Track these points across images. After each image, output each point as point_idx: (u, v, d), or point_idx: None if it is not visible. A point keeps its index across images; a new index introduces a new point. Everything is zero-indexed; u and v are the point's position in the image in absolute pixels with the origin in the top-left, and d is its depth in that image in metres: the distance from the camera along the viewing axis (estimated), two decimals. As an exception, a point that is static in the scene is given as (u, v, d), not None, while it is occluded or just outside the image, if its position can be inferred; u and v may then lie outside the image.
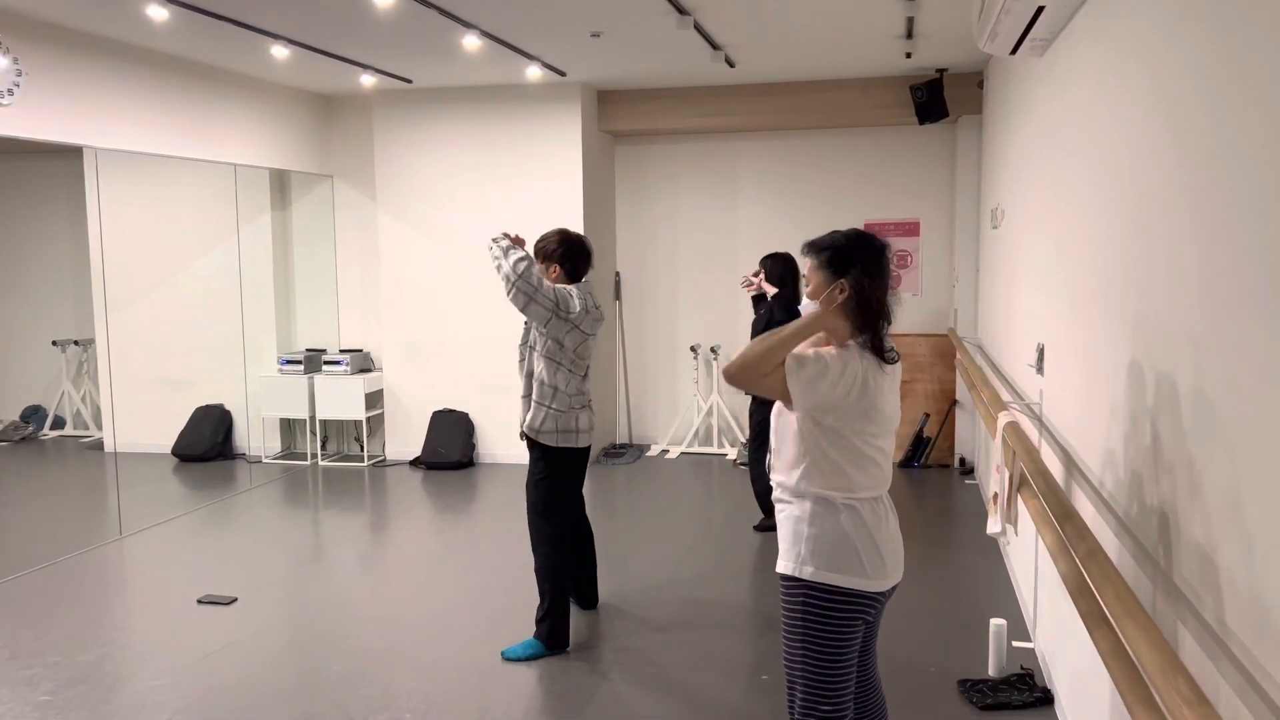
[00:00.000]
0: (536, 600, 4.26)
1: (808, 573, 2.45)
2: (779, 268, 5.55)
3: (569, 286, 4.14)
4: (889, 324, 2.50)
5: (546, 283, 4.06)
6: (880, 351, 2.45)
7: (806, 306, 2.59)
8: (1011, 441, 3.52)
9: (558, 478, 4.22)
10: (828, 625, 2.45)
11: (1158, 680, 1.68)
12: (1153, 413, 2.29)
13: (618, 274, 8.30)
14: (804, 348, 2.47)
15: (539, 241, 4.25)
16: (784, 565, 2.51)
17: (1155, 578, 2.24)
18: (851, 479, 2.46)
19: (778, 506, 2.58)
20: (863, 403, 2.43)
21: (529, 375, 4.20)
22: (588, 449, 4.31)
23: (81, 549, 5.71)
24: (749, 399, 5.70)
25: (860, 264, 2.46)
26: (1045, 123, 4.10)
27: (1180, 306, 2.09)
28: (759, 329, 5.55)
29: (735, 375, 2.44)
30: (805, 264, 2.57)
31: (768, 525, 5.69)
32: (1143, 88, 2.48)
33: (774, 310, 5.47)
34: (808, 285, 2.57)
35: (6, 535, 6.23)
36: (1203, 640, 1.89)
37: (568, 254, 4.20)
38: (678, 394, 8.32)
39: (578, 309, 4.09)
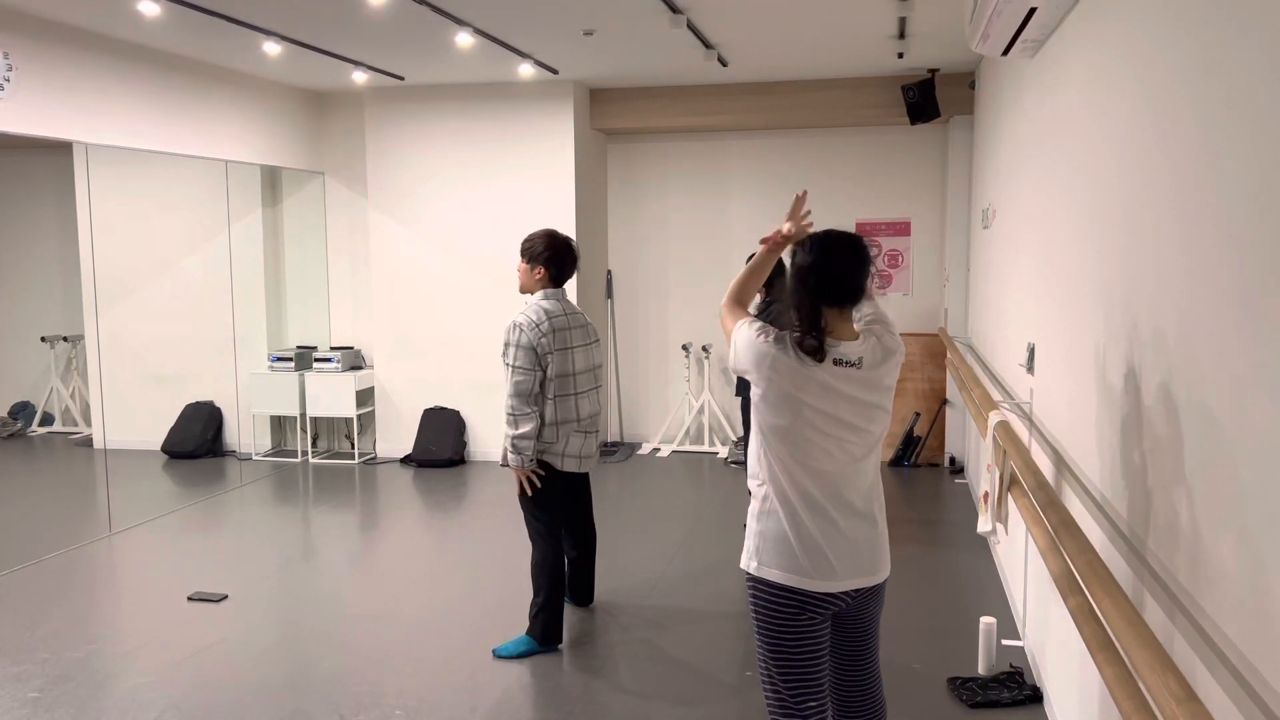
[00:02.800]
0: (527, 598, 4.26)
1: (753, 567, 2.51)
2: None
3: (529, 317, 4.04)
4: (815, 330, 2.41)
5: (512, 389, 4.00)
6: (805, 350, 2.39)
7: None
8: (1002, 440, 3.53)
9: (545, 487, 4.18)
10: (774, 620, 2.48)
11: (1147, 677, 1.69)
12: (1142, 412, 2.30)
13: (610, 272, 8.30)
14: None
15: (525, 242, 4.19)
16: (742, 559, 2.58)
17: (1145, 575, 2.26)
18: (797, 478, 2.45)
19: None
20: (789, 395, 2.40)
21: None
22: (580, 474, 4.33)
23: (70, 546, 5.69)
24: (740, 397, 5.70)
25: (792, 267, 2.50)
26: (1036, 123, 4.12)
27: (1168, 306, 2.11)
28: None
29: (724, 305, 2.70)
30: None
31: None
32: (1132, 90, 2.50)
33: (769, 318, 5.50)
34: None
35: (-6, 532, 6.21)
36: (1192, 638, 1.91)
37: (554, 257, 4.14)
38: (669, 392, 8.32)
39: (527, 340, 3.99)
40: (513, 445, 4.02)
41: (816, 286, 2.43)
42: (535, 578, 4.19)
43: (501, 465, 4.17)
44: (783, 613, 2.47)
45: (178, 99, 6.37)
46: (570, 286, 7.47)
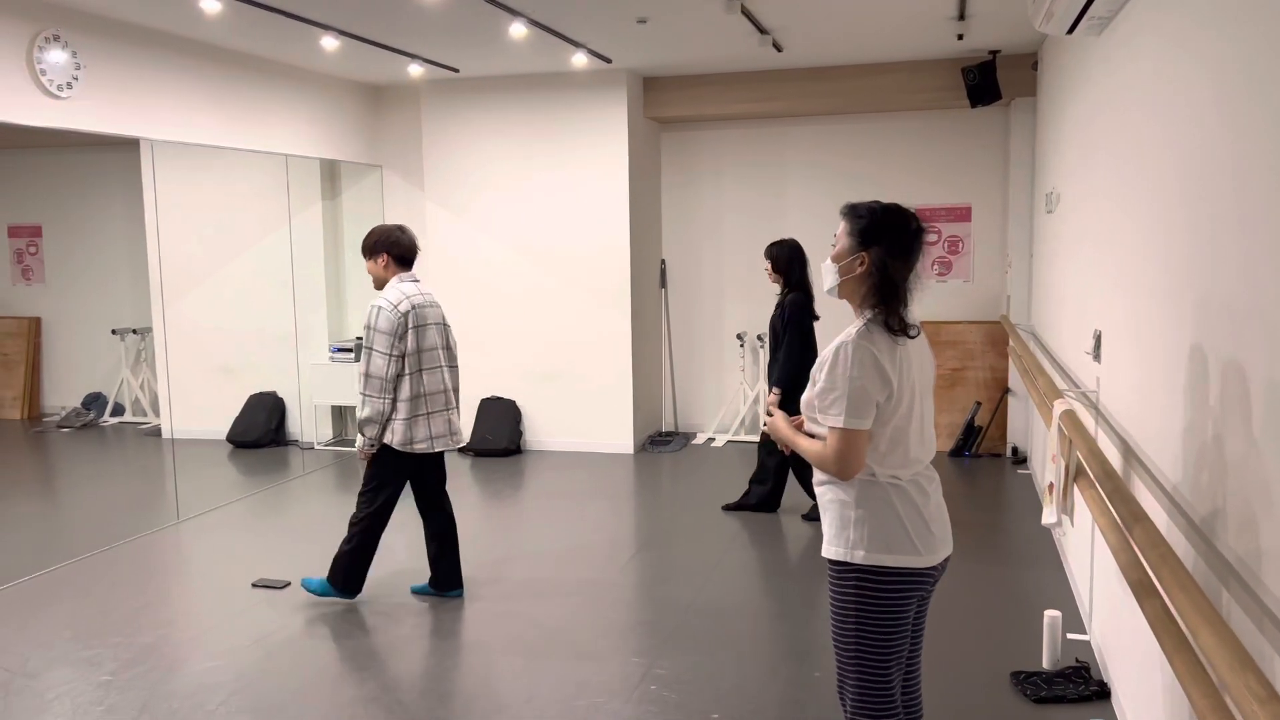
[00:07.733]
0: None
1: (859, 556, 2.43)
2: (785, 254, 5.54)
3: (389, 299, 4.33)
4: (905, 307, 2.44)
5: (371, 375, 4.28)
6: (895, 330, 2.40)
7: (827, 267, 2.52)
8: (1068, 430, 3.45)
9: (391, 468, 4.46)
10: (881, 606, 2.44)
11: (1227, 676, 1.63)
12: (1217, 400, 2.22)
13: (663, 262, 8.27)
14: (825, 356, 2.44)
15: (362, 244, 4.49)
16: (833, 550, 2.48)
17: (1221, 569, 2.18)
18: (892, 457, 2.43)
19: (819, 491, 2.54)
20: (901, 385, 2.42)
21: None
22: (436, 455, 4.58)
23: (140, 533, 5.85)
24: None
25: (888, 242, 2.42)
26: (1103, 104, 4.00)
27: (1247, 289, 2.02)
28: (777, 322, 5.51)
29: (844, 473, 2.43)
30: (839, 225, 2.51)
31: (817, 514, 5.65)
32: (1207, 66, 2.40)
33: (785, 310, 5.45)
34: (834, 245, 2.52)
35: (69, 519, 6.40)
36: (1273, 635, 1.83)
37: (383, 241, 4.43)
38: (724, 382, 8.28)
39: (386, 323, 4.27)
40: (359, 427, 4.32)
41: (905, 266, 2.43)
42: (350, 527, 4.51)
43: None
44: (893, 597, 2.44)
45: (239, 95, 6.48)
46: (623, 276, 7.47)
